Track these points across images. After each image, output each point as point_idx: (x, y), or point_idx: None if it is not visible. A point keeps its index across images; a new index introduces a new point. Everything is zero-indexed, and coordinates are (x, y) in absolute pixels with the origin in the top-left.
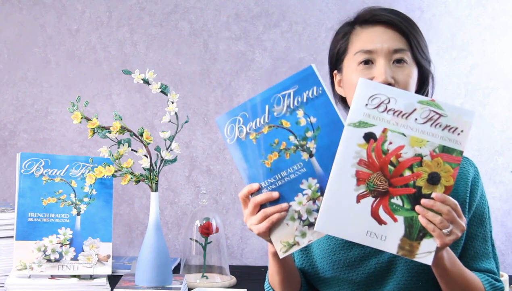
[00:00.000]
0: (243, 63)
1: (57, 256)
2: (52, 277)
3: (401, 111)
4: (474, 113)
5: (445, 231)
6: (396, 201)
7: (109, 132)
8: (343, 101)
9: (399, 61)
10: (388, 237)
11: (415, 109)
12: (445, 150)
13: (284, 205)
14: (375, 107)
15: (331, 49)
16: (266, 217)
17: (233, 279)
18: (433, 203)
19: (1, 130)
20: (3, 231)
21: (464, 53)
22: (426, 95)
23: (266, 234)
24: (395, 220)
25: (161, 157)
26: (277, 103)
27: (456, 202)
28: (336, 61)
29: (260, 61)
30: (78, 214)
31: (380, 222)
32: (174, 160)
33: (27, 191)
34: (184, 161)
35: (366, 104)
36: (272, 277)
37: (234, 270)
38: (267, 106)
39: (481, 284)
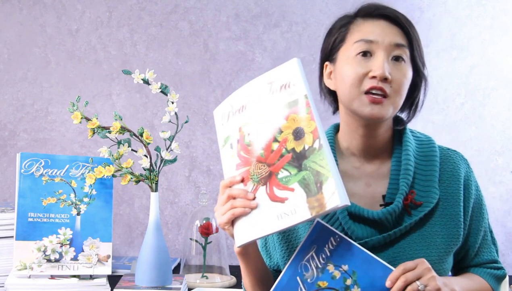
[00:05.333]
0: (243, 63)
1: (57, 256)
2: (52, 277)
3: (242, 107)
4: (297, 60)
5: (420, 288)
6: (283, 174)
7: (109, 132)
8: (331, 94)
9: (397, 59)
10: (297, 207)
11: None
12: (291, 105)
13: (253, 203)
14: (227, 121)
15: (326, 39)
16: (231, 208)
17: (233, 279)
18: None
19: (1, 130)
20: (3, 231)
21: (464, 53)
22: (417, 104)
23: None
24: (292, 190)
25: (161, 157)
26: (306, 270)
27: (403, 266)
28: (330, 51)
29: (260, 61)
30: (78, 214)
31: (282, 200)
32: (174, 160)
33: (27, 191)
34: (184, 161)
35: (222, 124)
36: (244, 280)
37: (234, 270)
38: (298, 278)
39: (487, 284)
